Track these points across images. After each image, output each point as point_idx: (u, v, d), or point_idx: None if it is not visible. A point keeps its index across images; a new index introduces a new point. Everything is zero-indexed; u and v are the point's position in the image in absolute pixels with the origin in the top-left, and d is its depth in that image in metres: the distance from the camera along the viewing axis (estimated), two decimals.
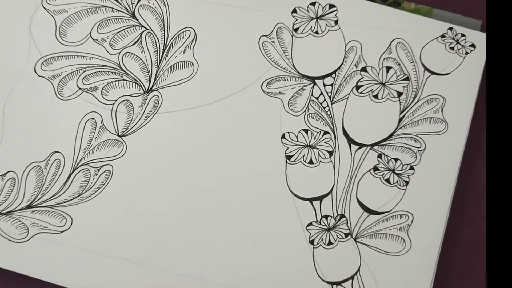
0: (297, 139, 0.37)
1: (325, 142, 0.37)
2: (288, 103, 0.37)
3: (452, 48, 0.37)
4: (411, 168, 0.37)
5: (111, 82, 0.37)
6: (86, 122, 0.37)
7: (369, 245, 0.37)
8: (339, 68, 0.37)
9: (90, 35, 0.37)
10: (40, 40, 0.37)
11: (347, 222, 0.37)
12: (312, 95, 0.37)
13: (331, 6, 0.37)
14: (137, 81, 0.37)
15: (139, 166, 0.37)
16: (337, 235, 0.37)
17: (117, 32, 0.37)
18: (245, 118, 0.37)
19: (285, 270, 0.36)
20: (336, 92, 0.37)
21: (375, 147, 0.37)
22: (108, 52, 0.37)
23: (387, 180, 0.37)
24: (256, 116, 0.37)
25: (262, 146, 0.37)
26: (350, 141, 0.37)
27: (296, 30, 0.38)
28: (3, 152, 0.37)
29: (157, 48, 0.37)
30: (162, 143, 0.37)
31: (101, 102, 0.37)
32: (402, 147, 0.37)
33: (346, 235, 0.37)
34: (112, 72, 0.37)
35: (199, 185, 0.37)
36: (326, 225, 0.37)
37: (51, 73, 0.37)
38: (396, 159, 0.37)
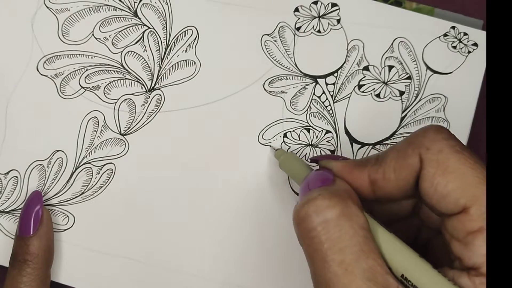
0: (299, 138, 0.37)
1: (327, 141, 0.37)
2: (290, 102, 0.37)
3: (455, 47, 0.37)
4: None
5: (114, 80, 0.37)
6: (88, 121, 0.37)
7: None
8: (341, 67, 0.37)
9: (93, 34, 0.37)
10: (42, 39, 0.37)
11: None
12: (314, 94, 0.37)
13: (334, 5, 0.37)
14: (140, 80, 0.37)
15: (141, 165, 0.37)
16: None
17: (120, 31, 0.37)
18: (247, 116, 0.37)
19: (287, 269, 0.37)
20: (338, 91, 0.37)
21: (377, 146, 0.37)
22: (110, 50, 0.37)
23: None
24: (258, 115, 0.37)
25: (264, 145, 0.37)
26: (352, 140, 0.37)
27: (298, 29, 0.38)
28: (6, 151, 0.37)
29: (159, 47, 0.37)
30: (164, 142, 0.37)
31: (103, 101, 0.37)
32: None
33: None
34: (114, 71, 0.37)
35: (201, 183, 0.37)
36: None
37: (53, 71, 0.37)
38: None
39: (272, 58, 0.37)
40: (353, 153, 0.37)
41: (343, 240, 0.25)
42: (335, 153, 0.37)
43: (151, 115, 0.37)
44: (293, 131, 0.37)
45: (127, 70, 0.37)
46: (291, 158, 0.34)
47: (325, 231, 0.26)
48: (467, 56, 0.37)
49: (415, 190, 0.27)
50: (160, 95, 0.37)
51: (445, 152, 0.26)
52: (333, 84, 0.37)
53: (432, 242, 0.30)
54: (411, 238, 0.31)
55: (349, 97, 0.37)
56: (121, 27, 0.37)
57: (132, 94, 0.37)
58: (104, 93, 0.37)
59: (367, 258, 0.25)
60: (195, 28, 0.38)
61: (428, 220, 0.30)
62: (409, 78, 0.37)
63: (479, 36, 0.37)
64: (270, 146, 0.37)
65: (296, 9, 0.38)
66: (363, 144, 0.37)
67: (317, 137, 0.37)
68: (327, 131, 0.37)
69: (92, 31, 0.37)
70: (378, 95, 0.37)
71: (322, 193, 0.26)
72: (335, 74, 0.37)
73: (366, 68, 0.37)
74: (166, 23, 0.38)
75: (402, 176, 0.27)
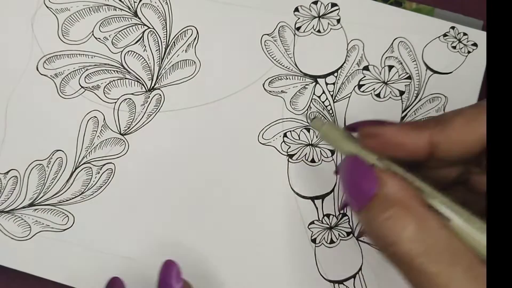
0: (299, 138, 0.37)
1: None
2: (290, 101, 0.37)
3: (454, 47, 0.37)
4: None
5: (114, 80, 0.37)
6: (88, 121, 0.37)
7: (371, 243, 0.37)
8: (341, 67, 0.37)
9: (93, 34, 0.37)
10: (42, 39, 0.37)
11: (349, 221, 0.37)
12: (314, 93, 0.37)
13: (333, 5, 0.37)
14: (139, 80, 0.37)
15: (141, 165, 0.37)
16: (339, 234, 0.37)
17: (120, 31, 0.37)
18: (247, 116, 0.37)
19: (287, 269, 0.37)
20: (338, 91, 0.37)
21: None
22: (110, 50, 0.37)
23: None
24: (258, 115, 0.37)
25: (264, 144, 0.37)
26: None
27: (298, 29, 0.38)
28: (6, 150, 0.37)
29: (159, 46, 0.37)
30: (164, 142, 0.37)
31: (103, 101, 0.37)
32: None
33: (348, 233, 0.37)
34: (114, 71, 0.37)
35: (201, 183, 0.37)
36: (328, 224, 0.37)
37: (53, 71, 0.37)
38: None
39: (272, 58, 0.37)
40: None
41: (431, 251, 0.25)
42: (335, 153, 0.37)
43: (151, 115, 0.37)
44: (293, 130, 0.37)
45: (127, 70, 0.37)
46: (332, 129, 0.32)
47: (411, 250, 0.25)
48: (466, 56, 0.37)
49: (478, 155, 0.27)
50: (160, 95, 0.37)
51: None
52: (333, 84, 0.37)
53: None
54: None
55: (349, 97, 0.37)
56: (121, 27, 0.37)
57: (132, 93, 0.37)
58: (104, 92, 0.37)
59: (460, 258, 0.25)
60: (195, 28, 0.38)
61: (481, 189, 0.30)
62: (409, 78, 0.37)
63: (479, 36, 0.37)
64: (305, 114, 0.37)
65: (296, 9, 0.38)
66: None
67: (317, 137, 0.37)
68: None
69: (92, 31, 0.37)
70: (378, 95, 0.37)
71: (387, 215, 0.26)
72: (335, 74, 0.37)
73: (366, 68, 0.37)
74: (166, 23, 0.38)
75: (469, 142, 0.27)
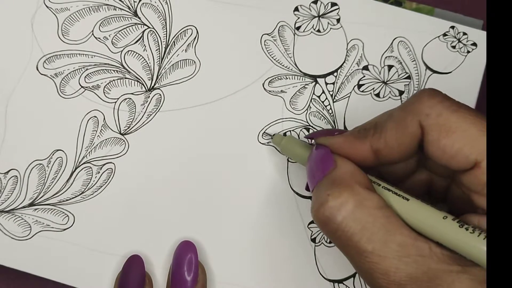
0: (299, 138, 0.37)
1: None
2: (290, 101, 0.37)
3: (454, 47, 0.37)
4: None
5: (113, 80, 0.37)
6: (88, 120, 0.37)
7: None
8: (341, 66, 0.37)
9: (92, 34, 0.37)
10: (42, 39, 0.37)
11: None
12: (313, 93, 0.37)
13: (333, 4, 0.37)
14: (139, 80, 0.37)
15: (141, 164, 0.37)
16: None
17: (119, 31, 0.37)
18: (247, 116, 0.37)
19: (287, 268, 0.37)
20: (338, 91, 0.37)
21: None
22: (110, 50, 0.37)
23: None
24: (258, 114, 0.37)
25: (264, 144, 0.37)
26: None
27: (298, 28, 0.38)
28: (6, 150, 0.37)
29: (159, 46, 0.37)
30: (164, 141, 0.37)
31: (103, 101, 0.37)
32: None
33: None
34: (114, 71, 0.37)
35: (201, 183, 0.37)
36: None
37: (53, 71, 0.37)
38: None
39: (272, 57, 0.37)
40: None
41: (367, 229, 0.26)
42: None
43: (151, 115, 0.37)
44: (292, 130, 0.37)
45: (127, 69, 0.37)
46: (291, 141, 0.34)
47: (348, 227, 0.26)
48: (466, 56, 0.37)
49: (418, 150, 0.28)
50: (160, 95, 0.37)
51: (444, 114, 0.27)
52: (333, 83, 0.37)
53: (449, 191, 0.31)
54: (423, 192, 0.32)
55: (349, 96, 0.37)
56: (121, 27, 0.37)
57: (132, 93, 0.37)
58: (104, 92, 0.37)
59: (394, 237, 0.26)
60: (195, 27, 0.38)
61: (436, 171, 0.31)
62: (409, 77, 0.37)
63: (478, 36, 0.37)
64: (265, 132, 0.37)
65: (296, 9, 0.38)
66: None
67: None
68: None
69: (92, 31, 0.37)
70: (377, 95, 0.37)
71: (330, 192, 0.27)
72: (335, 74, 0.37)
73: (365, 68, 0.37)
74: (166, 22, 0.38)
75: (405, 144, 0.28)
